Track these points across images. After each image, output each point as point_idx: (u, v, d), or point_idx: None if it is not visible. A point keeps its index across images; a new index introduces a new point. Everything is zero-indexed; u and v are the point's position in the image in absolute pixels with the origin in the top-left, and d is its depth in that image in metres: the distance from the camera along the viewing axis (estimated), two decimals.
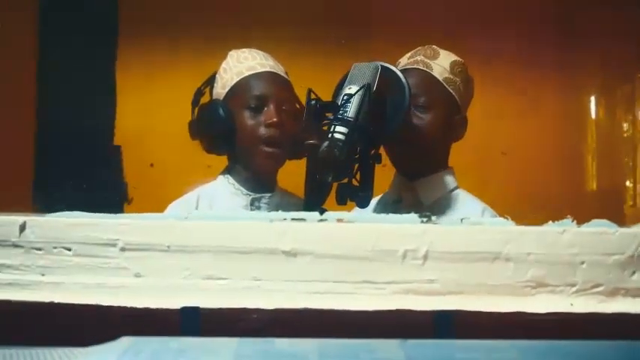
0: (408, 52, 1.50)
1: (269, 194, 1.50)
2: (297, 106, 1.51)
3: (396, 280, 0.82)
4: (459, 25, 2.77)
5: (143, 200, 2.68)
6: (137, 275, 0.83)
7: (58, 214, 0.85)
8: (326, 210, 1.01)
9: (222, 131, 1.47)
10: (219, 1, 2.90)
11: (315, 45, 2.78)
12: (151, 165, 2.78)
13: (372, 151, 1.29)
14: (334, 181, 1.22)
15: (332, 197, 1.24)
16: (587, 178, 3.08)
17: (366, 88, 1.21)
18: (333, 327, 0.80)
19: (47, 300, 0.82)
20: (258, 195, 1.50)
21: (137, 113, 2.82)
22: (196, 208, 1.48)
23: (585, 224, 0.84)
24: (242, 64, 1.51)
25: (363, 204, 1.27)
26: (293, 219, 0.85)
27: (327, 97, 1.28)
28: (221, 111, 1.48)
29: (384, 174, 1.43)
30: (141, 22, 2.84)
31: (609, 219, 0.85)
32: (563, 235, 0.83)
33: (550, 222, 0.84)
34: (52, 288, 0.83)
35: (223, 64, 1.53)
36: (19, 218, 0.84)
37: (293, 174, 1.45)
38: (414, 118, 1.40)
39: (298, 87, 1.51)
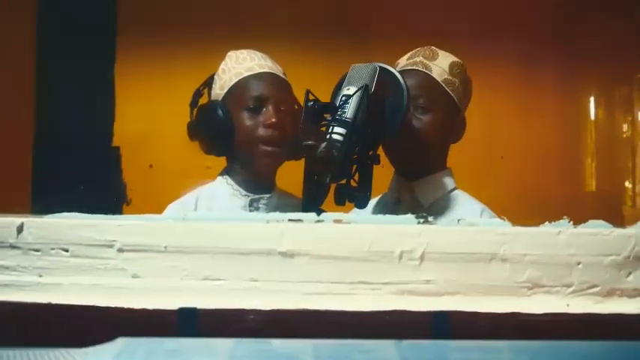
0: (407, 52, 1.50)
1: (268, 195, 1.50)
2: (296, 107, 1.51)
3: (393, 280, 0.82)
4: (459, 25, 2.77)
5: (142, 201, 2.68)
6: (134, 276, 0.83)
7: (55, 215, 0.85)
8: (323, 211, 1.01)
9: (220, 132, 1.47)
10: (219, 2, 2.90)
11: (314, 47, 2.78)
12: (150, 166, 2.78)
13: (371, 152, 1.29)
14: (332, 181, 1.22)
15: (331, 198, 1.24)
16: (586, 179, 3.08)
17: (364, 89, 1.21)
18: (329, 327, 0.80)
19: (45, 301, 0.81)
20: (256, 196, 1.50)
21: (136, 114, 2.83)
22: (195, 209, 1.48)
23: (581, 225, 0.84)
24: (241, 64, 1.51)
25: (361, 205, 1.27)
26: (290, 220, 0.85)
27: (325, 98, 1.28)
28: (220, 112, 1.48)
29: (383, 175, 1.43)
30: (140, 24, 2.84)
31: (608, 220, 0.85)
32: (559, 235, 0.83)
33: (546, 223, 0.84)
34: (49, 289, 0.83)
35: (222, 65, 1.53)
36: (16, 219, 0.84)
37: (292, 174, 1.45)
38: (413, 119, 1.40)
39: (296, 88, 1.51)
